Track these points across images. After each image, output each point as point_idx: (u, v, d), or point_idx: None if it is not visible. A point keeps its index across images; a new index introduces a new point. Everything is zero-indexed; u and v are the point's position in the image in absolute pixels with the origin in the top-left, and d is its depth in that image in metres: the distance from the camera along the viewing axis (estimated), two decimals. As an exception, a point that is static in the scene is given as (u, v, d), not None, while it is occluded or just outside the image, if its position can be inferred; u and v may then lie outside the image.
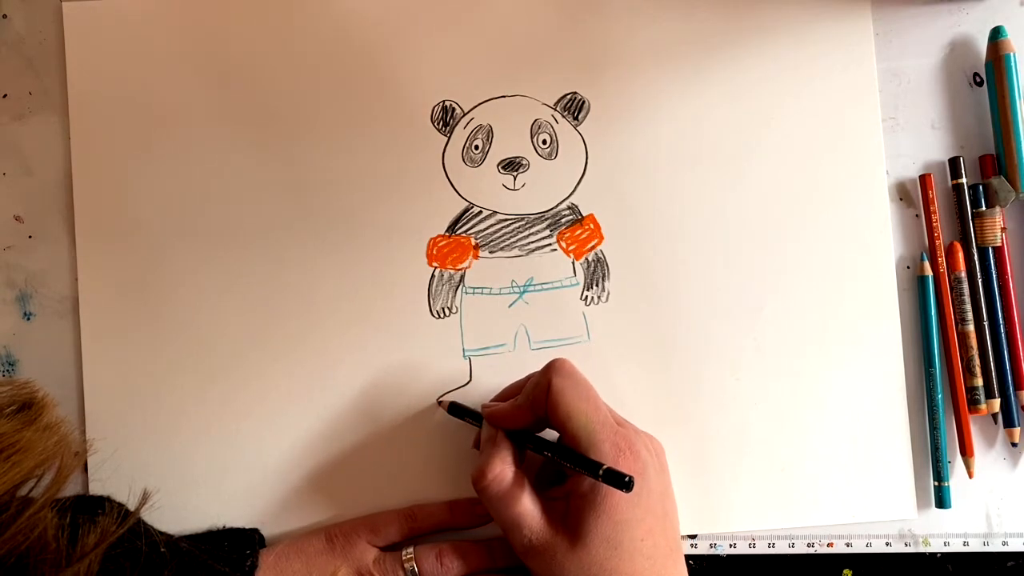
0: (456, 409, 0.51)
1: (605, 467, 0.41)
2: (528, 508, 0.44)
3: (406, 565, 0.48)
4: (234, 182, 0.54)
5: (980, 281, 0.52)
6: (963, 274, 0.52)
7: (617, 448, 0.43)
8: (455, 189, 0.54)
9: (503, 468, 0.45)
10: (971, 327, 0.52)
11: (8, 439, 0.39)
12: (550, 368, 0.46)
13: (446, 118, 0.54)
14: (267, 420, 0.53)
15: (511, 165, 0.54)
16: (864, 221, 0.53)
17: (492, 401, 0.51)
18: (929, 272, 0.52)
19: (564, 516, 0.44)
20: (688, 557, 0.51)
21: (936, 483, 0.51)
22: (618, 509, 0.43)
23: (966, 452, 0.51)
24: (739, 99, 0.54)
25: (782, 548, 0.52)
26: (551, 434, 0.48)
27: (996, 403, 0.51)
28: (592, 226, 0.54)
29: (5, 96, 0.55)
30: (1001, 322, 0.52)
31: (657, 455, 0.46)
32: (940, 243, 0.52)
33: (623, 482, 0.41)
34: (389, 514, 0.51)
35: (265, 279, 0.54)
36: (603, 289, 0.53)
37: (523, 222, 0.54)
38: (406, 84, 0.54)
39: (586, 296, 0.53)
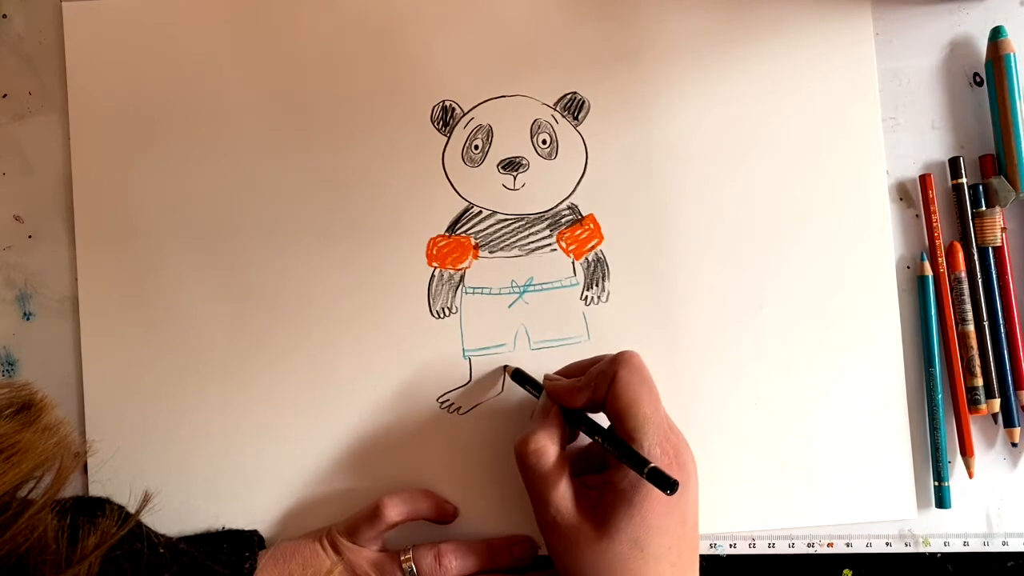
0: (519, 376, 0.51)
1: (652, 466, 0.42)
2: (561, 488, 0.44)
3: (404, 565, 0.48)
4: (233, 182, 0.54)
5: (980, 281, 0.52)
6: (963, 274, 0.52)
7: (666, 454, 0.44)
8: (455, 189, 0.54)
9: (547, 443, 0.45)
10: (971, 327, 0.52)
11: (7, 440, 0.39)
12: (619, 359, 0.45)
13: (446, 118, 0.54)
14: (267, 421, 0.53)
15: (511, 165, 0.54)
16: (864, 221, 0.53)
17: (556, 374, 0.51)
18: (929, 272, 0.52)
19: (595, 506, 0.44)
20: (688, 557, 0.51)
21: (936, 483, 0.51)
22: (653, 513, 0.43)
23: (966, 452, 0.51)
24: (739, 99, 0.54)
25: (782, 548, 0.52)
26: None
27: (996, 403, 0.51)
28: (592, 226, 0.54)
29: (5, 96, 0.55)
30: (1001, 322, 0.52)
31: (695, 469, 0.46)
32: (940, 243, 0.52)
33: (668, 484, 0.40)
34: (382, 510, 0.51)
35: (265, 279, 0.53)
36: (603, 289, 0.53)
37: (523, 222, 0.54)
38: (406, 84, 0.54)
39: (586, 296, 0.53)
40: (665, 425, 0.45)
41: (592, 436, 0.46)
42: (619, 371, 0.45)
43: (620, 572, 0.43)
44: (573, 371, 0.50)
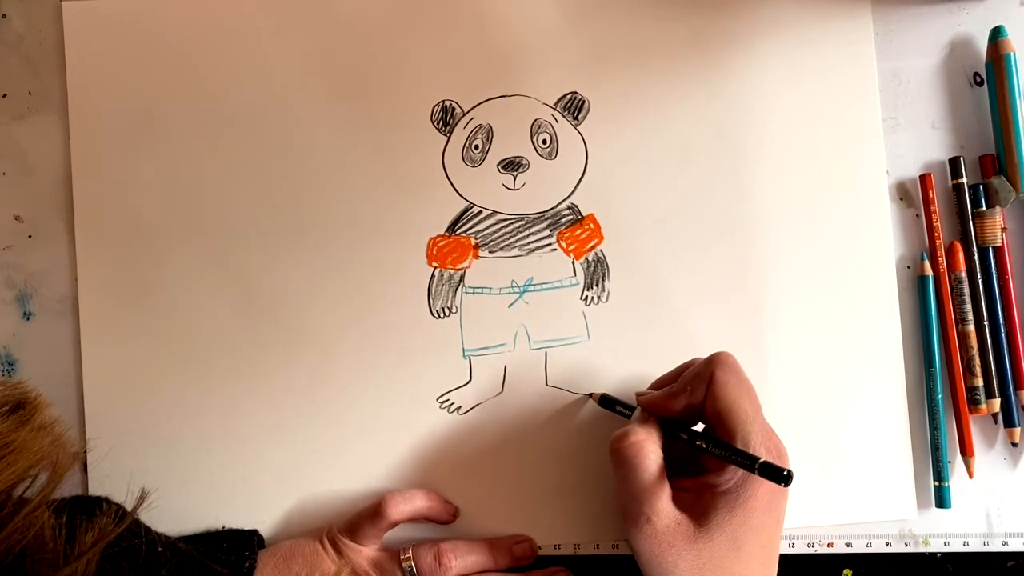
0: (607, 401, 0.51)
1: (762, 460, 0.42)
2: (659, 486, 0.44)
3: (404, 565, 0.48)
4: (234, 182, 0.54)
5: (980, 281, 0.52)
6: (963, 274, 0.52)
7: (770, 453, 0.43)
8: (455, 189, 0.54)
9: (645, 437, 0.44)
10: (971, 327, 0.52)
11: (2, 439, 0.39)
12: (714, 360, 0.45)
13: (446, 118, 0.54)
14: (267, 420, 0.53)
15: (511, 165, 0.54)
16: (864, 221, 0.53)
17: (647, 390, 0.50)
18: (929, 272, 0.52)
19: (691, 507, 0.44)
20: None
21: (936, 483, 0.51)
22: (754, 513, 0.43)
23: (966, 452, 0.51)
24: (739, 99, 0.54)
25: (782, 548, 0.52)
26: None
27: (996, 403, 0.51)
28: (592, 226, 0.54)
29: (5, 96, 0.55)
30: (1001, 322, 0.52)
31: None
32: (940, 243, 0.52)
33: (781, 476, 0.41)
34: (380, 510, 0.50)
35: (265, 279, 0.53)
36: (603, 289, 0.53)
37: (523, 222, 0.54)
38: (406, 84, 0.54)
39: (586, 296, 0.53)
40: (767, 425, 0.45)
41: (694, 442, 0.45)
42: (716, 372, 0.44)
43: (715, 571, 0.42)
44: (662, 382, 0.50)
